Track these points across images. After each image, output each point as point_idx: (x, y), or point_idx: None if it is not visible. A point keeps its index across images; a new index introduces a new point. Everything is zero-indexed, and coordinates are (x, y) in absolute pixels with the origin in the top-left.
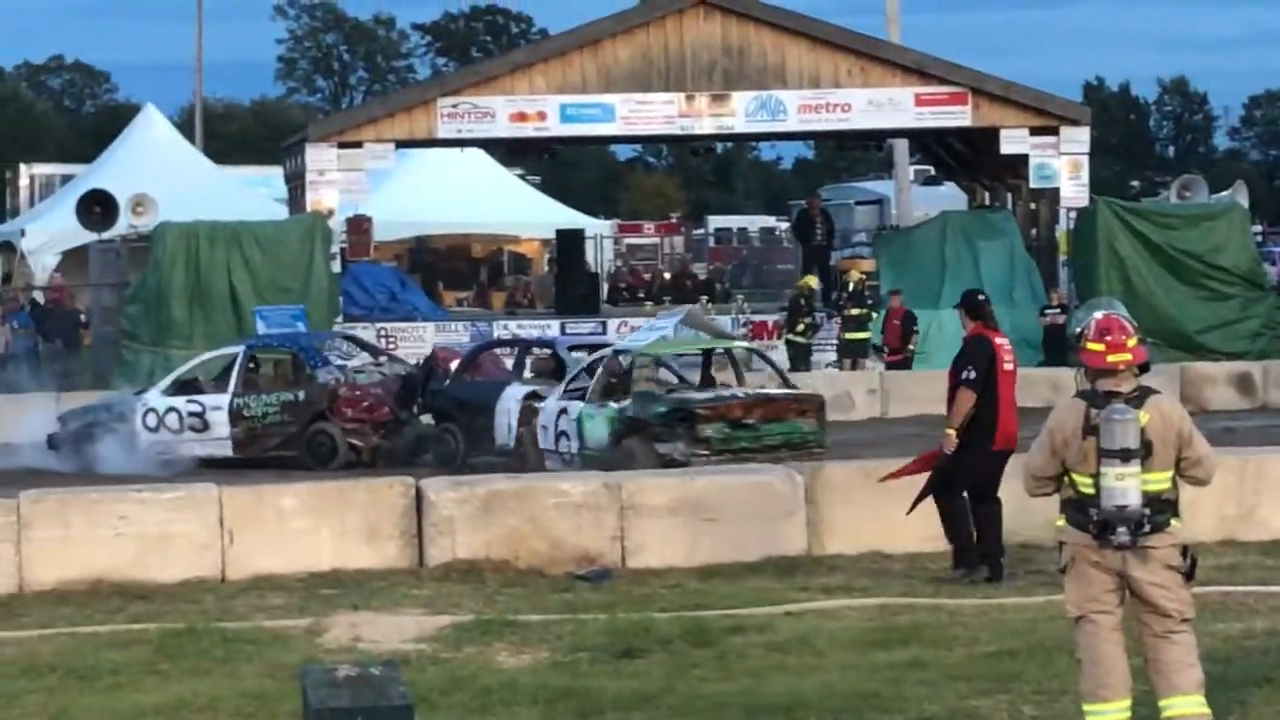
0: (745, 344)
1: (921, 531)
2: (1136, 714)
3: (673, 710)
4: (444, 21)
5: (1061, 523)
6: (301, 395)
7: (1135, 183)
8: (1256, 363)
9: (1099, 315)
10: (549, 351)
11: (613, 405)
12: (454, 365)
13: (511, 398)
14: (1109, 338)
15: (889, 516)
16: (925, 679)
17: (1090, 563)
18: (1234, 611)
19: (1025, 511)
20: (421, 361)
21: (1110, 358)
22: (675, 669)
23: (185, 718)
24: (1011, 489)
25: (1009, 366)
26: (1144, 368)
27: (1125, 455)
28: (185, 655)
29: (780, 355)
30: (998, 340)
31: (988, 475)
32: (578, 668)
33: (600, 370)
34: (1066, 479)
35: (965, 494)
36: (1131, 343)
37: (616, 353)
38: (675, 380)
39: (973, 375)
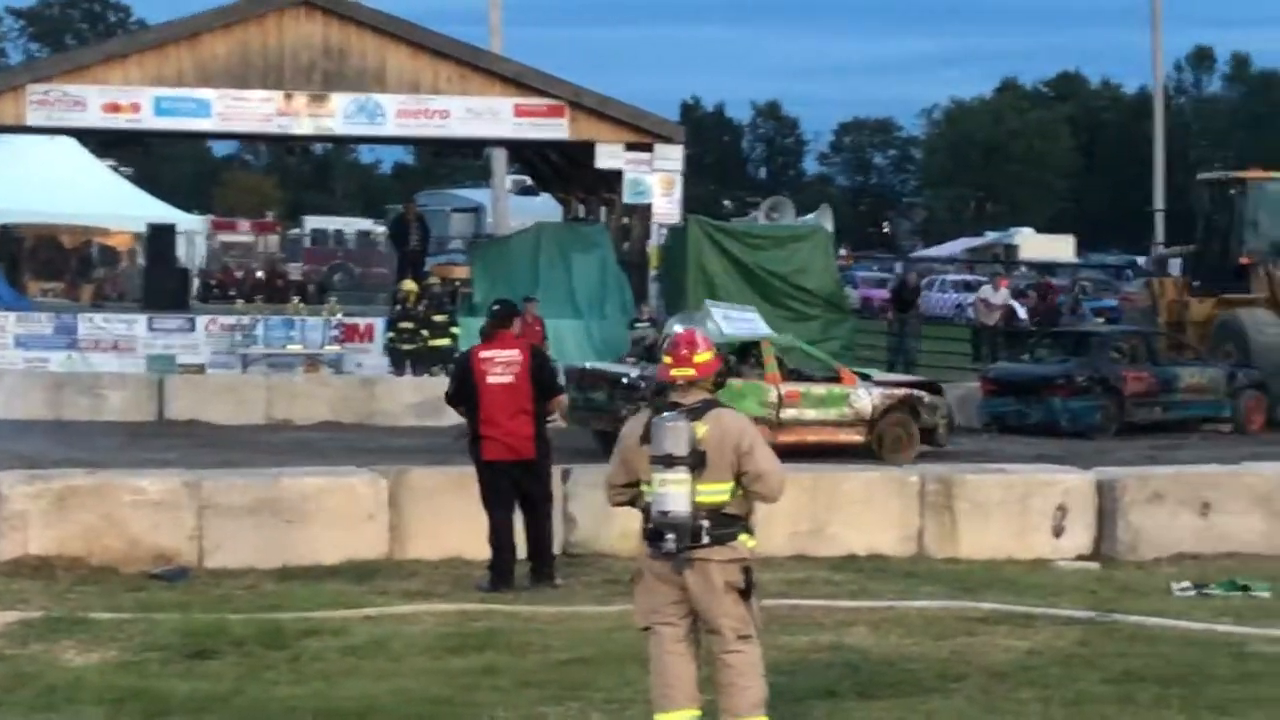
0: None
1: None
2: None
3: (242, 713)
4: (39, 6)
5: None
6: None
7: (727, 202)
8: None
9: (677, 329)
10: None
11: None
12: None
13: None
14: (674, 353)
15: (472, 521)
16: (498, 685)
17: (653, 574)
18: (801, 625)
19: (603, 521)
20: None
21: (672, 371)
22: (247, 671)
23: None
24: (594, 498)
25: (494, 380)
26: (719, 383)
27: (669, 461)
28: None
29: (374, 359)
30: (483, 354)
31: (494, 487)
32: (147, 667)
33: None
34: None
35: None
36: (699, 358)
37: None
38: None
39: (449, 390)
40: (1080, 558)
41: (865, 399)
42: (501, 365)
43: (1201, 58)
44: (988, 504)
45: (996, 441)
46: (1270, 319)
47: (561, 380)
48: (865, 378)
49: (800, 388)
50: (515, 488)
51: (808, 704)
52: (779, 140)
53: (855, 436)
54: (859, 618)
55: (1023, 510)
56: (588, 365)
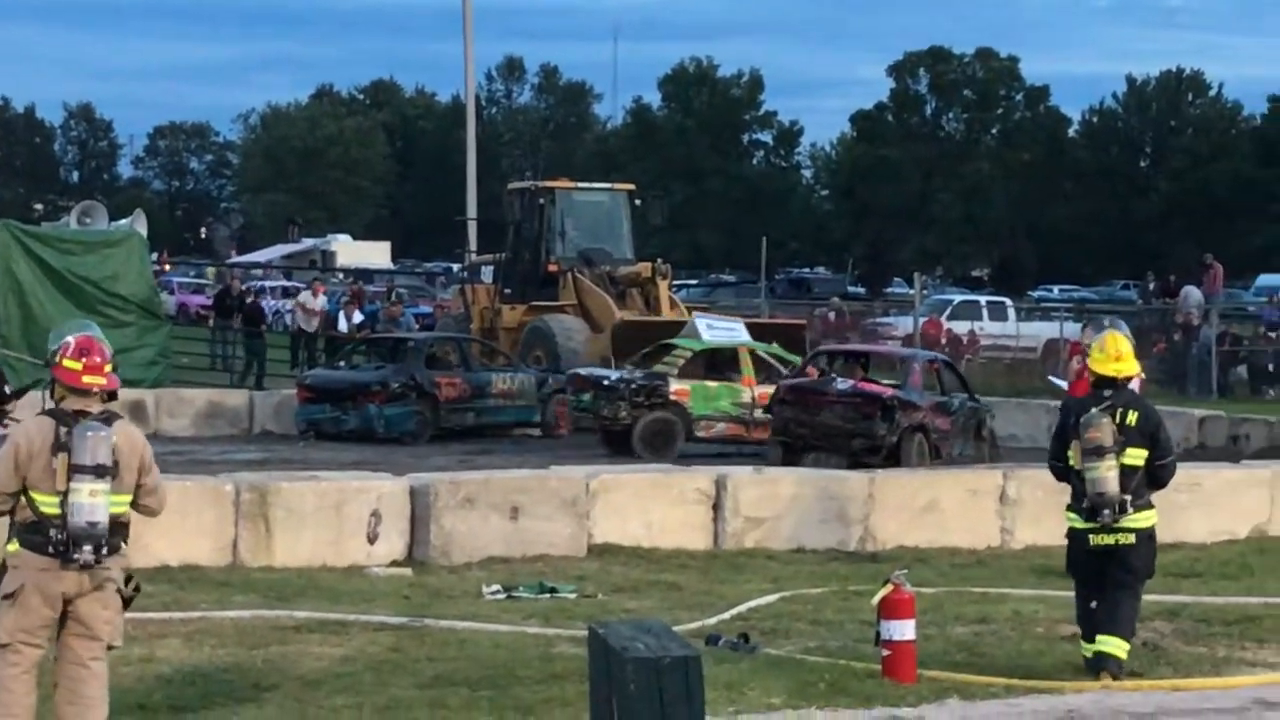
0: None
1: None
2: None
3: None
4: None
5: (14, 547)
6: None
7: (39, 205)
8: (150, 390)
9: (78, 335)
10: None
11: None
12: None
13: None
14: (86, 359)
15: None
16: None
17: (41, 593)
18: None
19: None
20: None
21: (85, 379)
22: None
23: None
24: None
25: None
26: (112, 395)
27: (100, 471)
28: None
29: None
30: None
31: None
32: None
33: None
34: (25, 500)
35: None
36: (109, 368)
37: None
38: None
39: None
40: (394, 563)
41: None
42: None
43: (512, 68)
44: (302, 511)
45: (314, 448)
46: (577, 325)
47: None
48: None
49: (772, 390)
50: None
51: (117, 719)
52: (92, 143)
53: None
54: (171, 630)
55: (337, 517)
56: (580, 371)
